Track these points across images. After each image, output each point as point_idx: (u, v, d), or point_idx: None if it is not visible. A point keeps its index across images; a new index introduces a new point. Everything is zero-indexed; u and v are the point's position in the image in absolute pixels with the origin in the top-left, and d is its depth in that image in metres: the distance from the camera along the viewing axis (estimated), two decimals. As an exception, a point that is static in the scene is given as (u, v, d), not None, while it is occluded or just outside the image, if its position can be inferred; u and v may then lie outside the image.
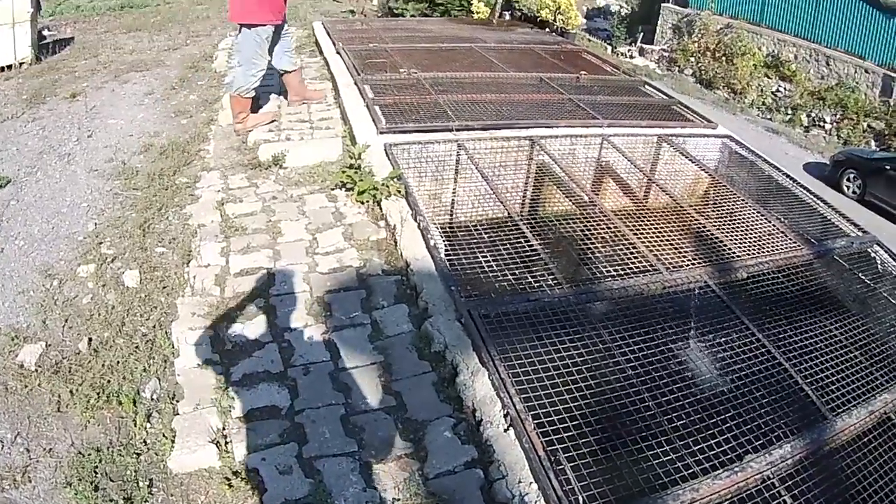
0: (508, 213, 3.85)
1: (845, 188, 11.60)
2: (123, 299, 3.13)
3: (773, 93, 15.77)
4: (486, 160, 4.58)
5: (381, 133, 4.51)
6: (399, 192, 3.80)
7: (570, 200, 4.32)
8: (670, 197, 4.35)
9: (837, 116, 14.62)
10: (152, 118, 5.41)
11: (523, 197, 4.70)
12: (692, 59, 16.28)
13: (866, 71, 14.31)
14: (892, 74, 13.70)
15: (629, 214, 4.10)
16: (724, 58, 15.70)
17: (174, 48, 7.92)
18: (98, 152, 4.72)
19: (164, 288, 3.18)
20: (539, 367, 2.73)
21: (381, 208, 3.82)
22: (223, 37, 8.27)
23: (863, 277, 3.86)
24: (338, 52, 6.42)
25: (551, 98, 5.61)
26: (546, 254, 3.50)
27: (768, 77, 15.77)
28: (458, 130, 4.65)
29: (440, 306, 3.03)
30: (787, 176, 4.81)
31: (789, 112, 15.21)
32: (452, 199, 4.53)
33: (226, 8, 10.30)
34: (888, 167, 11.08)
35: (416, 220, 3.57)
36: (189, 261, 3.36)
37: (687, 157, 4.93)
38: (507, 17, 11.48)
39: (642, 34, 17.49)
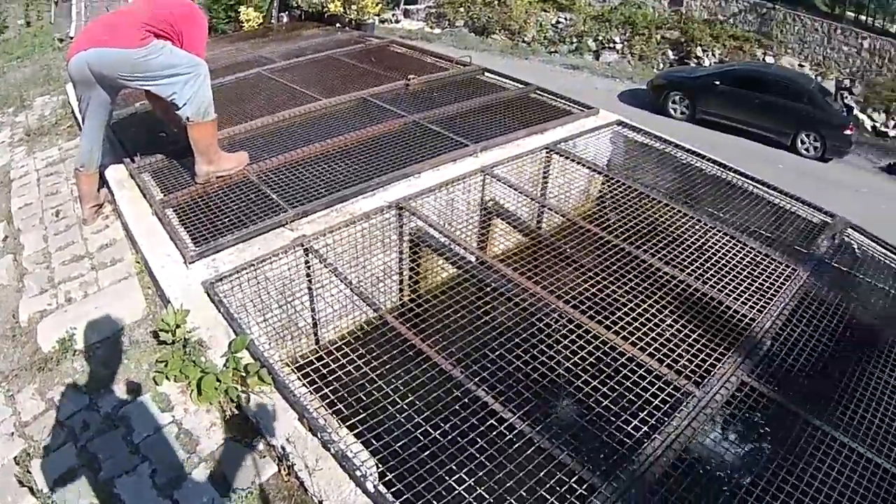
0: (407, 340, 2.57)
1: (672, 111, 11.64)
2: None
3: (553, 25, 15.51)
4: (344, 256, 3.21)
5: (191, 262, 2.97)
6: (262, 378, 2.36)
7: (472, 277, 3.07)
8: (604, 233, 3.29)
9: (627, 35, 14.67)
10: None
11: (407, 293, 3.38)
12: (462, 9, 15.45)
13: (654, -15, 14.63)
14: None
15: (554, 278, 2.96)
16: (496, 0, 15.04)
17: None
18: None
19: None
20: None
21: (243, 412, 2.37)
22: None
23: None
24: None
25: (391, 127, 4.28)
26: (513, 413, 2.26)
27: (545, 11, 15.50)
28: (293, 221, 3.23)
29: None
30: (715, 162, 3.97)
31: (574, 41, 14.94)
32: (315, 334, 3.11)
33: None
34: (716, 82, 11.16)
35: (318, 435, 2.15)
36: None
37: (588, 167, 3.92)
38: (286, 20, 9.81)
39: (402, -5, 15.96)
